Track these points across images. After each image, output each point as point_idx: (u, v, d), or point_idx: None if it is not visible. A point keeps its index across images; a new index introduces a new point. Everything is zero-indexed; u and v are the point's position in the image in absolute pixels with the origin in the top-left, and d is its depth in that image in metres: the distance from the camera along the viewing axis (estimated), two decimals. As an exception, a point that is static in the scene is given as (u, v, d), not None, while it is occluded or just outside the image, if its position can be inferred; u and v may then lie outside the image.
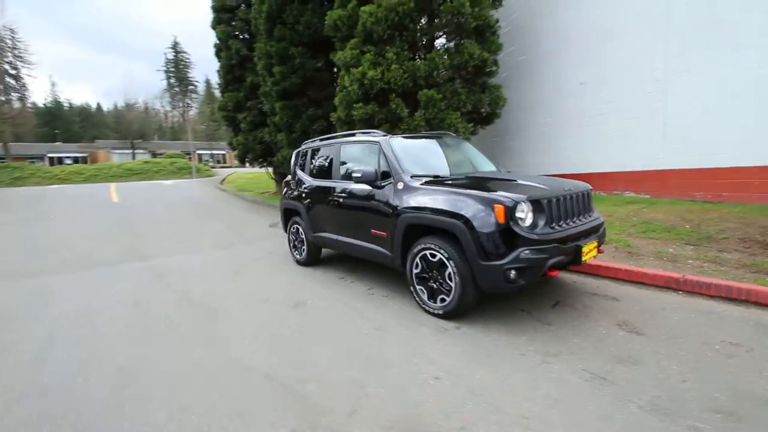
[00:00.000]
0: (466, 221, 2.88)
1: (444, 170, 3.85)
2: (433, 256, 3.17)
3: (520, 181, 3.35)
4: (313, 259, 5.10)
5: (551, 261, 2.83)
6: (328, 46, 11.22)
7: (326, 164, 4.68)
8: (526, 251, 2.79)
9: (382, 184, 3.70)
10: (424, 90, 7.93)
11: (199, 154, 53.30)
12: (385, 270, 4.69)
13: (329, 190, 4.45)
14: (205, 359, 2.72)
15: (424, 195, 3.27)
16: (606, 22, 8.14)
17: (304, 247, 5.09)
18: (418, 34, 8.32)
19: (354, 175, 3.74)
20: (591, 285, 3.85)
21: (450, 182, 3.34)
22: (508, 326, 3.01)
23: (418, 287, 3.37)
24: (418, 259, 3.32)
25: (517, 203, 2.82)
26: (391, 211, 3.54)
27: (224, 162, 55.81)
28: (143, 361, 2.74)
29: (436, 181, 3.42)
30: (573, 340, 2.73)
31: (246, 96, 14.22)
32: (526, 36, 9.92)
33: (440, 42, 8.93)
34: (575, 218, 3.18)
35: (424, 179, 3.48)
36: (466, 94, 8.34)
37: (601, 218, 3.51)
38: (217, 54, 15.18)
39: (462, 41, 8.29)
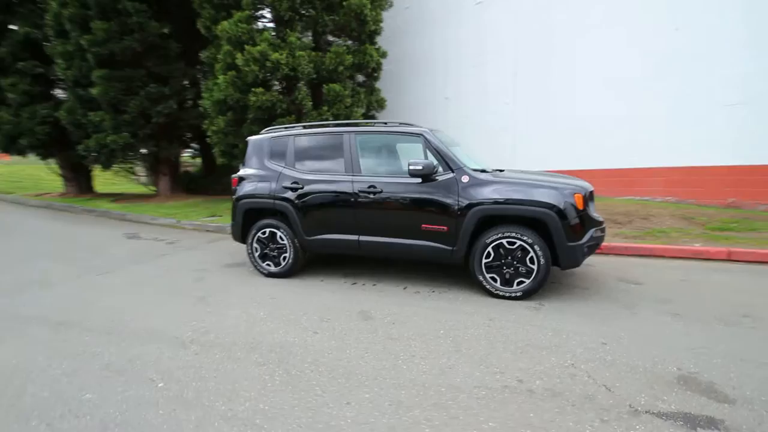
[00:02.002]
0: (557, 209, 3.29)
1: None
2: (512, 243, 3.42)
3: (556, 176, 4.00)
4: (297, 269, 4.31)
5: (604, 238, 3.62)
6: (181, 10, 9.06)
7: (331, 156, 4.06)
8: (595, 231, 3.47)
9: (438, 177, 3.63)
10: (331, 84, 7.70)
11: None
12: (394, 266, 4.50)
13: (344, 186, 3.92)
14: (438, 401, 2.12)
15: (502, 187, 3.45)
16: (465, 51, 9.93)
17: (287, 254, 4.23)
18: (318, 26, 7.93)
19: (413, 168, 3.49)
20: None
21: (511, 176, 3.66)
22: (569, 294, 3.60)
23: (488, 275, 3.53)
24: (490, 249, 3.49)
25: (587, 192, 3.45)
26: (456, 204, 3.54)
27: None
28: None
29: (504, 175, 3.66)
30: (618, 296, 3.55)
31: (13, 54, 9.63)
32: (394, 48, 10.84)
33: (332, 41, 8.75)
34: (587, 204, 4.10)
35: (485, 173, 3.65)
36: (364, 93, 8.56)
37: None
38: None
39: (362, 42, 8.43)
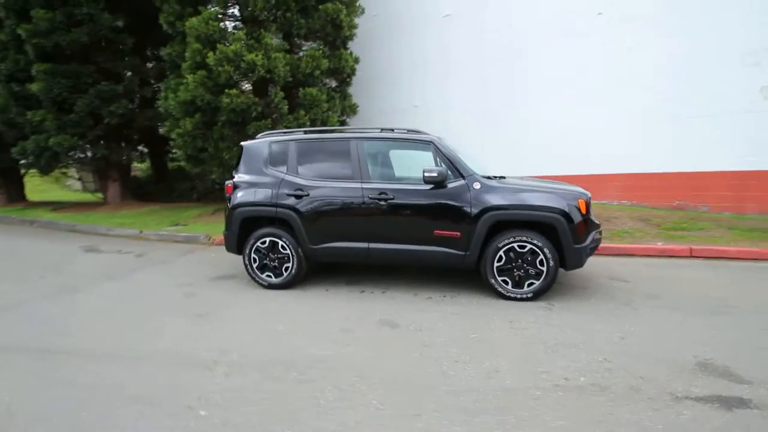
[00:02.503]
0: (565, 214, 3.49)
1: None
2: (522, 247, 3.57)
3: (554, 183, 4.23)
4: (300, 279, 4.15)
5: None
6: (134, 2, 8.34)
7: (337, 163, 3.97)
8: (596, 234, 3.73)
9: (449, 184, 3.69)
10: (308, 88, 7.54)
11: None
12: (396, 273, 4.47)
13: (353, 193, 3.84)
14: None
15: (513, 194, 3.58)
16: (432, 61, 10.19)
17: (289, 264, 4.05)
18: (293, 28, 7.70)
19: (428, 175, 3.52)
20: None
21: (518, 182, 3.83)
22: (571, 294, 3.82)
23: (500, 279, 3.64)
24: (501, 253, 3.61)
25: (588, 197, 3.70)
26: (469, 210, 3.62)
27: None
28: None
29: (509, 181, 3.81)
30: (614, 294, 3.83)
31: None
32: (362, 55, 10.80)
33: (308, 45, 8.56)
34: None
35: (492, 180, 3.78)
36: (339, 99, 8.48)
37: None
38: None
39: (336, 47, 8.32)
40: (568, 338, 2.90)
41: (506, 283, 3.64)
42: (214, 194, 11.53)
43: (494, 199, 3.59)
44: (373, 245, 3.88)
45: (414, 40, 10.42)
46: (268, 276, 4.13)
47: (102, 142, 8.36)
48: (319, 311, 3.54)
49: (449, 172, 3.70)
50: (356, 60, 9.01)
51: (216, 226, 7.76)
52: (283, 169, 4.08)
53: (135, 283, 4.54)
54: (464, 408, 2.10)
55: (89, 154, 8.72)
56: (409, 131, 4.01)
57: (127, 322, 3.35)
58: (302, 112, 7.47)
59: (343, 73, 8.34)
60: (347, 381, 2.37)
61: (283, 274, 4.09)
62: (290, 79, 7.51)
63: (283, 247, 4.04)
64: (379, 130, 4.06)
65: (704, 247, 5.15)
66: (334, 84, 9.04)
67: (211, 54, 6.74)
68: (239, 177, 4.22)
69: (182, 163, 7.96)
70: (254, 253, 4.12)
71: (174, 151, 13.69)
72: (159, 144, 12.29)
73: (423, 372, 2.47)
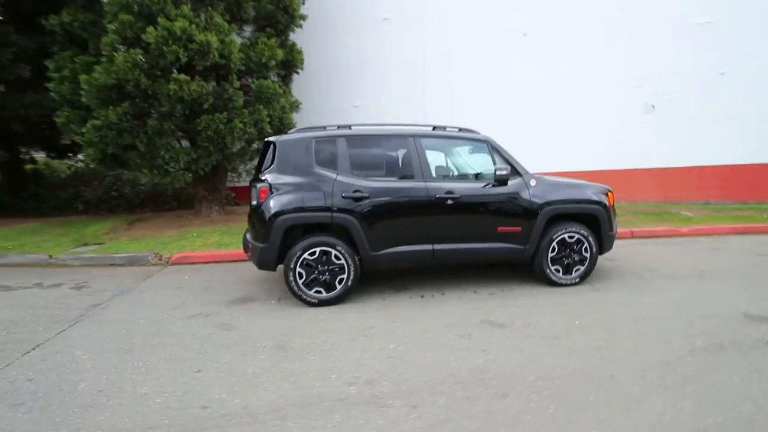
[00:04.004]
0: (603, 205, 3.98)
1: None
2: (571, 237, 3.93)
3: (574, 179, 4.70)
4: (349, 292, 3.71)
5: (613, 227, 4.55)
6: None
7: (393, 162, 3.70)
8: (616, 222, 4.33)
9: (509, 181, 3.81)
10: (262, 80, 6.73)
11: None
12: (437, 272, 4.36)
13: (419, 193, 3.63)
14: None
15: (564, 189, 3.93)
16: (368, 63, 10.15)
17: (344, 276, 3.58)
18: (242, 11, 6.75)
19: (500, 173, 3.56)
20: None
21: (560, 179, 4.18)
22: (597, 276, 4.34)
23: (552, 267, 3.95)
24: (555, 244, 3.91)
25: (611, 190, 4.28)
26: (530, 206, 3.80)
27: None
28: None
29: (548, 178, 4.11)
30: (624, 271, 4.51)
31: None
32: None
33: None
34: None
35: (539, 175, 4.05)
36: (288, 94, 7.80)
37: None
38: None
39: (285, 36, 7.58)
40: (643, 312, 3.33)
41: (558, 271, 3.96)
42: (109, 203, 9.27)
43: (550, 195, 3.88)
44: (437, 246, 3.74)
45: (350, 41, 10.21)
46: (317, 292, 3.59)
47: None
48: (409, 323, 3.24)
49: (508, 170, 3.85)
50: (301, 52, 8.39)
51: (150, 242, 6.30)
52: (333, 168, 3.59)
53: (118, 323, 3.39)
54: (669, 386, 2.24)
55: None
56: (461, 129, 4.00)
57: (179, 375, 2.50)
58: (260, 107, 6.61)
59: (293, 66, 7.67)
60: (544, 388, 2.27)
61: (335, 288, 3.61)
62: (242, 68, 6.57)
63: (336, 257, 3.56)
64: (432, 128, 3.93)
65: (638, 229, 6.49)
66: (276, 78, 8.23)
67: (151, 29, 5.41)
68: (277, 178, 3.54)
69: (93, 165, 6.17)
70: (300, 266, 3.52)
71: (28, 152, 10.58)
72: (13, 142, 9.28)
73: (588, 364, 2.53)
